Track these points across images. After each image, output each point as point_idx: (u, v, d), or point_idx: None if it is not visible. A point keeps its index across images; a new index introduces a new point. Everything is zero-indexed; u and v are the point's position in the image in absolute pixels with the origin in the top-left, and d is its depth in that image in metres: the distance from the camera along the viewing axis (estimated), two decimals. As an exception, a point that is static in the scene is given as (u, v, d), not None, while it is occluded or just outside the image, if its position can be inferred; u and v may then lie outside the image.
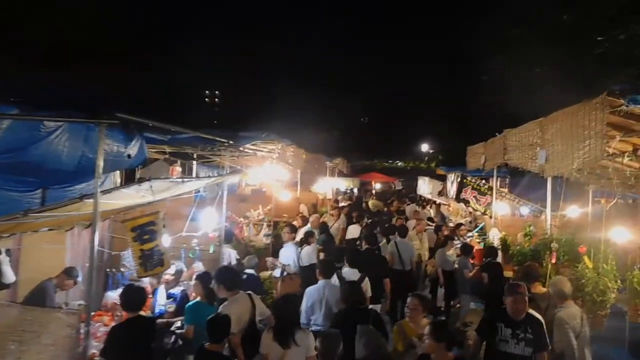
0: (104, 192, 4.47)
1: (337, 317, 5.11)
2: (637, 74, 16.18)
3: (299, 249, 8.90)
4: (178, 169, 12.92)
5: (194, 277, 5.71)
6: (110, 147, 7.03)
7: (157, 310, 5.49)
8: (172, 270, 5.58)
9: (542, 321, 4.64)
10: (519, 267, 6.85)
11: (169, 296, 5.50)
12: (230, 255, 8.00)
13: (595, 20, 16.57)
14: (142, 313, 5.46)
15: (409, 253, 9.39)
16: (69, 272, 5.63)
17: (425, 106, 47.62)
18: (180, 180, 5.11)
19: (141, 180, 4.50)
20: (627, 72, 16.37)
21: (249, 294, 5.00)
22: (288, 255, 8.42)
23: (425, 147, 49.54)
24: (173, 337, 5.36)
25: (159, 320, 5.36)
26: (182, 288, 5.72)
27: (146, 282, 5.87)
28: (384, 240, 10.00)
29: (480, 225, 13.80)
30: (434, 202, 21.76)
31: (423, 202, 24.40)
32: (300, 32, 56.84)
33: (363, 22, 65.06)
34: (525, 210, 10.56)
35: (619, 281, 5.50)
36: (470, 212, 16.25)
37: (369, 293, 6.50)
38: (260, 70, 48.12)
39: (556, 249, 6.38)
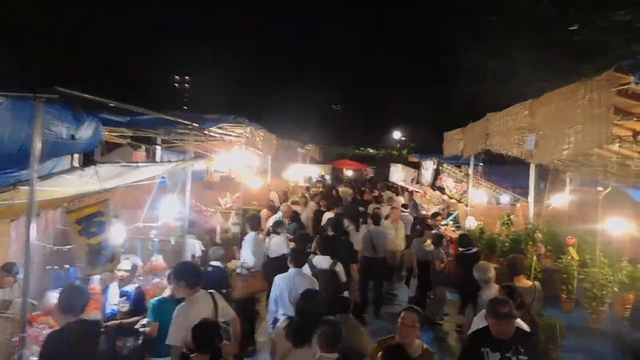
0: (42, 177, 3.86)
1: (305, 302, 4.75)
2: (613, 62, 16.09)
3: (268, 239, 8.40)
4: (142, 154, 12.20)
5: (167, 273, 5.15)
6: (57, 128, 6.40)
7: (107, 311, 4.90)
8: (127, 265, 4.98)
9: (533, 332, 4.22)
10: (503, 259, 6.47)
11: (122, 294, 4.90)
12: (194, 247, 7.43)
13: (574, 7, 16.36)
14: (91, 314, 4.89)
15: (382, 241, 9.26)
16: (8, 269, 4.99)
17: (398, 93, 47.51)
18: (134, 165, 4.50)
19: (87, 164, 3.88)
20: (602, 60, 16.27)
21: (210, 293, 4.45)
22: (246, 248, 7.74)
23: (397, 135, 49.37)
24: (132, 339, 4.82)
25: (110, 323, 4.77)
26: (136, 285, 5.10)
27: (95, 281, 5.23)
28: (352, 227, 9.87)
29: (454, 214, 13.54)
30: (406, 189, 21.55)
31: (395, 189, 24.19)
32: (273, 18, 55.60)
33: (335, 8, 64.25)
34: (504, 198, 10.27)
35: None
36: (444, 200, 16.04)
37: (343, 278, 6.40)
38: (232, 56, 47.01)
39: (541, 240, 6.04)
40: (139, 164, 4.54)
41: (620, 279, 5.26)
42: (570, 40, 17.35)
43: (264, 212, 11.38)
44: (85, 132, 6.97)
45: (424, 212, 16.66)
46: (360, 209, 11.97)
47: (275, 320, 5.42)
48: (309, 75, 47.60)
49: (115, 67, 35.91)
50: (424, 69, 45.33)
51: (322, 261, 6.48)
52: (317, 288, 5.35)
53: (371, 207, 12.93)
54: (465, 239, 7.70)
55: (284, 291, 5.50)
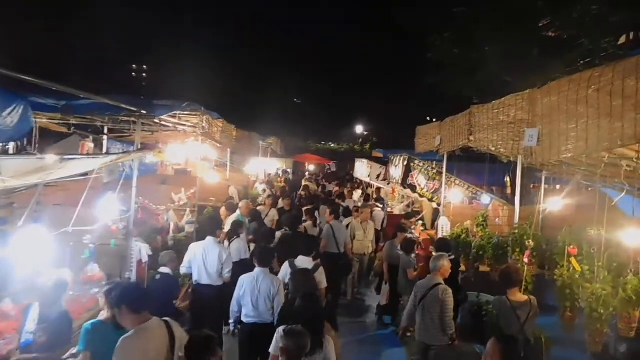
0: None
1: (285, 308, 4.84)
2: (583, 57, 15.90)
3: (227, 242, 7.53)
4: (89, 145, 11.04)
5: (103, 292, 4.20)
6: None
7: (23, 340, 3.89)
8: (48, 283, 3.98)
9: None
10: (499, 269, 5.80)
11: (42, 319, 3.88)
12: (140, 251, 6.46)
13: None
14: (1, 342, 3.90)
15: (343, 235, 9.14)
16: None
17: (360, 87, 47.06)
18: (57, 158, 3.54)
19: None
20: (572, 55, 16.07)
21: (165, 322, 3.51)
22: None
23: (359, 129, 48.95)
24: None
25: (22, 357, 3.78)
26: (62, 308, 4.03)
27: (8, 303, 4.18)
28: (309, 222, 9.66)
29: (422, 214, 12.98)
30: (368, 185, 20.95)
31: (355, 185, 23.57)
32: (233, 8, 53.95)
33: (297, -1, 63.02)
34: (485, 198, 9.70)
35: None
36: (406, 197, 15.47)
37: (323, 284, 6.05)
38: (191, 47, 45.33)
39: (531, 247, 5.43)
40: (63, 158, 3.58)
41: (626, 295, 4.64)
42: (538, 34, 17.13)
43: (223, 211, 10.44)
44: (10, 117, 5.96)
45: (389, 210, 16.23)
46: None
47: (237, 321, 5.43)
48: (269, 67, 46.43)
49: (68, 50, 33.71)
50: (387, 63, 45.09)
51: (304, 263, 6.11)
52: (281, 289, 5.36)
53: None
54: (443, 244, 7.05)
55: (247, 291, 5.31)
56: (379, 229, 12.08)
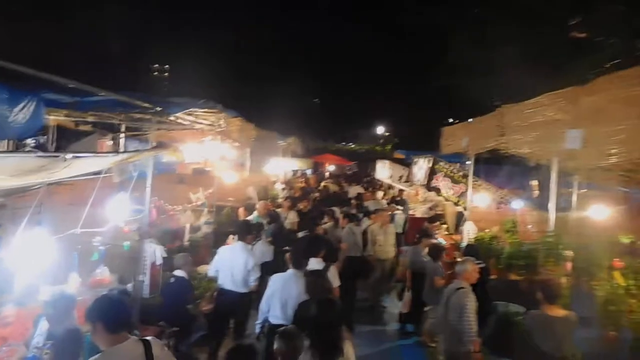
0: None
1: (299, 312, 4.69)
2: (608, 59, 15.29)
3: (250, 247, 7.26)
4: (108, 143, 10.92)
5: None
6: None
7: (29, 355, 3.61)
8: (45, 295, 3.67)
9: None
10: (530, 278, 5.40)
11: (50, 336, 3.57)
12: (154, 253, 6.23)
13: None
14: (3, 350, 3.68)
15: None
16: None
17: (381, 88, 46.52)
18: (59, 157, 3.30)
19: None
20: (597, 57, 15.45)
21: (144, 341, 3.09)
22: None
23: (380, 130, 48.38)
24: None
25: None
26: (70, 325, 3.68)
27: (10, 308, 3.91)
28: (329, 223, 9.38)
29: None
30: (389, 186, 20.53)
31: (377, 187, 23.15)
32: (254, 9, 53.89)
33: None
34: (517, 203, 9.24)
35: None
36: (429, 199, 15.02)
37: (335, 283, 5.83)
38: (212, 48, 45.43)
39: (570, 258, 5.02)
40: (67, 156, 3.33)
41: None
42: (565, 35, 16.53)
43: (241, 212, 10.22)
44: (22, 113, 5.78)
45: (410, 213, 15.81)
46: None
47: (265, 321, 5.24)
48: (288, 67, 46.25)
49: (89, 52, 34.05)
50: (408, 63, 44.44)
51: (313, 263, 5.78)
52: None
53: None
54: (472, 251, 6.67)
55: (277, 292, 5.17)
56: (401, 232, 11.73)
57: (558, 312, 4.54)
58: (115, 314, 2.99)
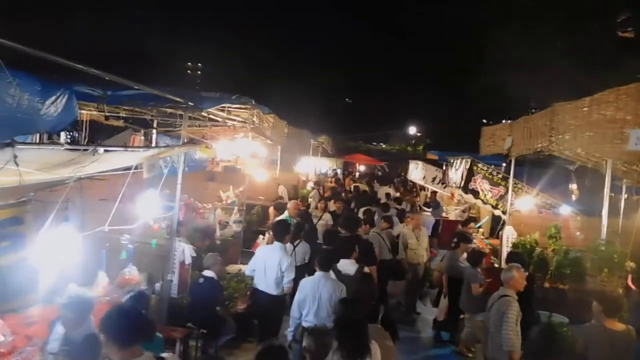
0: None
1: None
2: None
3: (291, 247, 7.04)
4: (140, 138, 10.91)
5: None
6: (17, 99, 5.07)
7: None
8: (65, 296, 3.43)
9: None
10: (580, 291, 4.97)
11: (65, 342, 3.34)
12: (184, 252, 6.06)
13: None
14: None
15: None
16: None
17: (413, 87, 45.88)
18: (85, 149, 3.12)
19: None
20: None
21: (159, 359, 2.86)
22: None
23: (412, 130, 47.65)
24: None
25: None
26: (89, 330, 3.41)
27: (36, 308, 3.71)
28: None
29: (483, 221, 12.06)
30: (422, 188, 20.07)
31: (410, 188, 22.74)
32: (288, 6, 53.94)
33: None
34: (564, 208, 8.75)
35: None
36: (463, 201, 14.54)
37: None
38: (244, 46, 45.67)
39: (632, 270, 4.61)
40: (95, 149, 3.15)
41: None
42: (613, 33, 15.80)
43: (271, 211, 10.02)
44: (54, 106, 5.69)
45: (443, 215, 15.36)
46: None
47: (298, 327, 5.12)
48: (321, 66, 46.08)
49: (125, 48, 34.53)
50: (443, 61, 43.69)
51: (347, 266, 5.68)
52: (344, 294, 4.99)
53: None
54: (516, 259, 6.27)
55: (308, 296, 5.02)
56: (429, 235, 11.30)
57: (617, 325, 4.15)
58: (125, 327, 2.74)
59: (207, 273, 6.03)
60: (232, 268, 8.34)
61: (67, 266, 3.32)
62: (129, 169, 4.31)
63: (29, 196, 3.90)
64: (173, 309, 5.80)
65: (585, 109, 5.00)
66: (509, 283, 5.07)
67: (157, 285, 5.74)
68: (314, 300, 4.99)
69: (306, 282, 5.19)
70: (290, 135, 11.67)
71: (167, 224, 5.73)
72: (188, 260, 6.11)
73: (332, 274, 5.49)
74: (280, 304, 6.10)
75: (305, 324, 5.03)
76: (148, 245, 5.41)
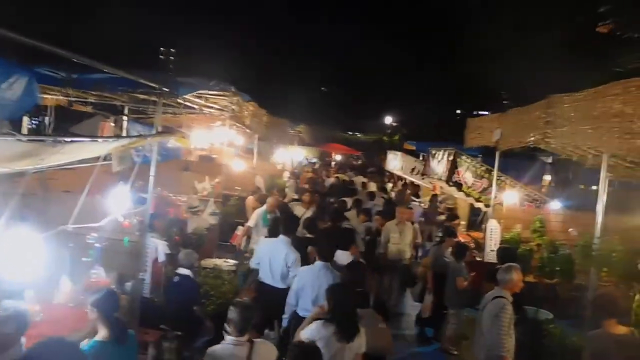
0: None
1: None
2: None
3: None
4: (110, 126, 10.31)
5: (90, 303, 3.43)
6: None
7: None
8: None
9: None
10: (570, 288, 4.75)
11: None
12: (157, 249, 5.64)
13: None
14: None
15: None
16: None
17: (389, 76, 45.71)
18: (48, 140, 2.69)
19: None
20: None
21: None
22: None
23: (387, 120, 47.52)
24: None
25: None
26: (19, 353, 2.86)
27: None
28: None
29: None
30: (399, 178, 19.88)
31: (386, 178, 22.55)
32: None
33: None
34: (555, 204, 8.59)
35: None
36: (441, 193, 14.38)
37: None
38: (221, 32, 44.56)
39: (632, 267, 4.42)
40: (58, 139, 2.72)
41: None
42: (594, 27, 15.75)
43: (250, 202, 9.56)
44: (12, 90, 5.17)
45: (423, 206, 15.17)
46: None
47: (294, 315, 5.12)
48: (296, 54, 45.38)
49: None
50: (419, 51, 43.60)
51: (341, 257, 5.89)
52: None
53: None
54: (508, 254, 6.08)
55: (306, 285, 5.07)
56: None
57: (620, 329, 3.93)
58: None
59: (182, 271, 5.63)
60: (208, 262, 7.95)
61: (23, 271, 2.88)
62: (97, 159, 3.87)
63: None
64: (146, 310, 5.39)
65: (586, 101, 4.77)
66: (506, 284, 4.79)
67: (128, 285, 5.31)
68: (313, 289, 4.99)
69: (305, 272, 5.22)
70: (270, 124, 11.26)
71: (139, 219, 5.29)
72: (161, 258, 5.70)
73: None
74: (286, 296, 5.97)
75: (301, 313, 5.01)
76: (119, 243, 4.97)
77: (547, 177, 20.19)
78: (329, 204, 9.76)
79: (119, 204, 4.40)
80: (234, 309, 3.64)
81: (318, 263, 5.21)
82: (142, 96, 5.81)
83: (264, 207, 8.41)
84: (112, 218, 4.40)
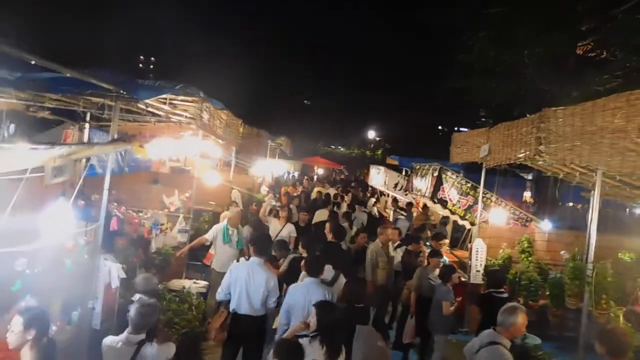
0: None
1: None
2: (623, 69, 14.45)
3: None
4: (74, 133, 9.65)
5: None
6: None
7: None
8: None
9: None
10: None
11: None
12: (109, 273, 5.02)
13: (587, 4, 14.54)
14: None
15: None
16: None
17: (373, 90, 45.64)
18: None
19: None
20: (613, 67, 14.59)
21: None
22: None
23: (371, 134, 47.29)
24: None
25: None
26: None
27: None
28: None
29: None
30: (382, 193, 19.43)
31: (369, 193, 22.10)
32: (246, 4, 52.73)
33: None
34: (545, 225, 8.18)
35: None
36: (415, 209, 13.96)
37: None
38: (203, 43, 44.11)
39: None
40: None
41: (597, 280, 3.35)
42: (578, 42, 15.64)
43: (225, 216, 8.95)
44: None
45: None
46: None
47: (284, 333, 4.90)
48: (279, 66, 45.04)
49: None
50: (404, 65, 43.67)
51: (327, 270, 5.67)
52: (334, 299, 5.05)
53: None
54: (496, 277, 5.63)
55: (298, 302, 4.97)
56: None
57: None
58: None
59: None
60: (175, 284, 7.34)
61: None
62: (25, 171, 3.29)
63: None
64: (96, 343, 4.76)
65: (583, 115, 4.34)
66: (507, 328, 4.05)
67: (75, 314, 4.69)
68: (304, 307, 4.87)
69: (296, 289, 5.12)
70: (246, 135, 10.72)
71: (87, 240, 4.69)
72: (115, 283, 5.06)
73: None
74: (265, 321, 5.52)
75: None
76: (60, 268, 4.35)
77: (527, 194, 20.03)
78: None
79: (58, 223, 3.80)
80: (133, 307, 3.72)
81: (307, 279, 5.17)
82: (95, 99, 5.22)
83: (225, 221, 7.84)
84: (48, 240, 3.80)
